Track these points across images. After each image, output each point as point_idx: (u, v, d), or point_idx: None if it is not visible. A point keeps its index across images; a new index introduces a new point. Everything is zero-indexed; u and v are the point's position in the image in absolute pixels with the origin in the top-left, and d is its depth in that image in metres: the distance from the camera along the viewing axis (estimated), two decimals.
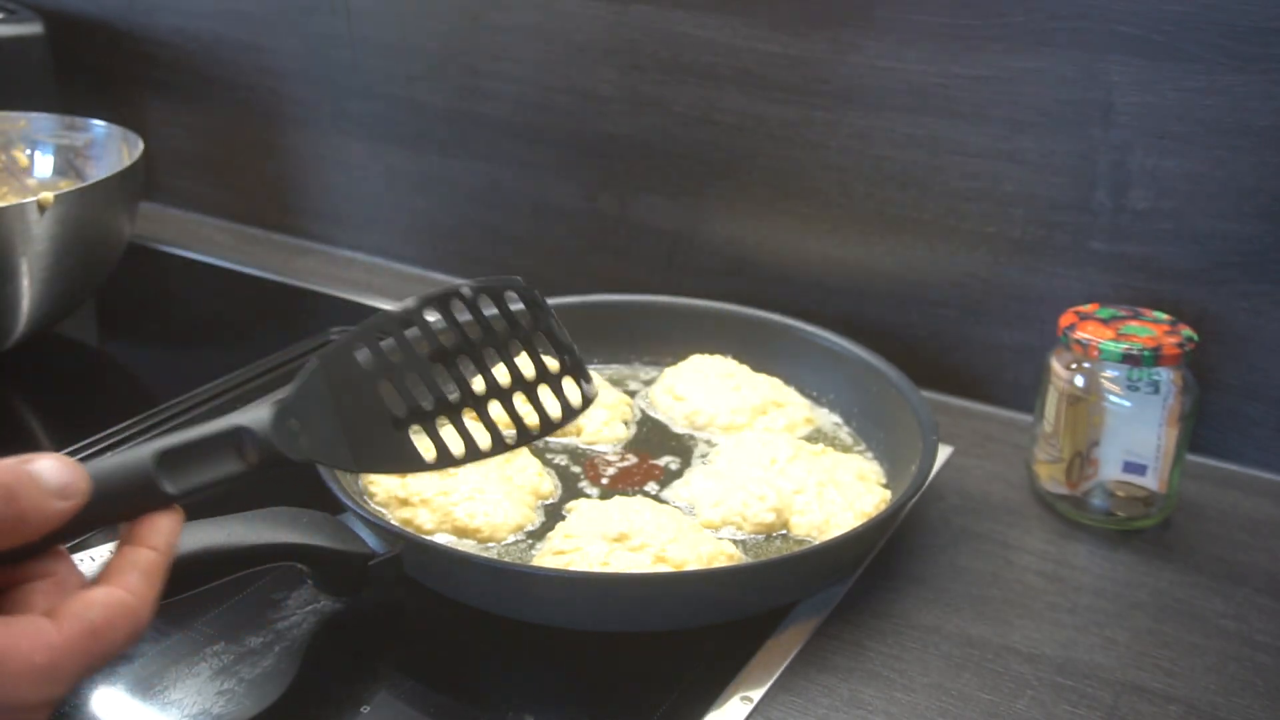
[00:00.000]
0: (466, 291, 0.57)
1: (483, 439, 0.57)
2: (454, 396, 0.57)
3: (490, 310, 0.59)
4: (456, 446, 0.56)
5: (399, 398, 0.54)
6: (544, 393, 0.61)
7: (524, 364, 0.60)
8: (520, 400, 0.60)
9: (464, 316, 0.58)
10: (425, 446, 0.55)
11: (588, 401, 0.62)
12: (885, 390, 0.82)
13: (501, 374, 0.60)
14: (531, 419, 0.60)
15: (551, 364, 0.61)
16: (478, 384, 0.58)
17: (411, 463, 0.55)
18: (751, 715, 0.61)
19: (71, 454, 0.81)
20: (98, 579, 0.46)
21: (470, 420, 0.57)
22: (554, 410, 0.61)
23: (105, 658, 0.43)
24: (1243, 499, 0.81)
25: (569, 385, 0.61)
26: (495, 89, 1.08)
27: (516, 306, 0.60)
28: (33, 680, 0.41)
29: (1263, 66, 0.78)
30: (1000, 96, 0.86)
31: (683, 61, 0.98)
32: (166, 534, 0.47)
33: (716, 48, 0.96)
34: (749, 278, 1.01)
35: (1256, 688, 0.64)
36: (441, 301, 0.57)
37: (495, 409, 0.59)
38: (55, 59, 1.29)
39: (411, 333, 0.55)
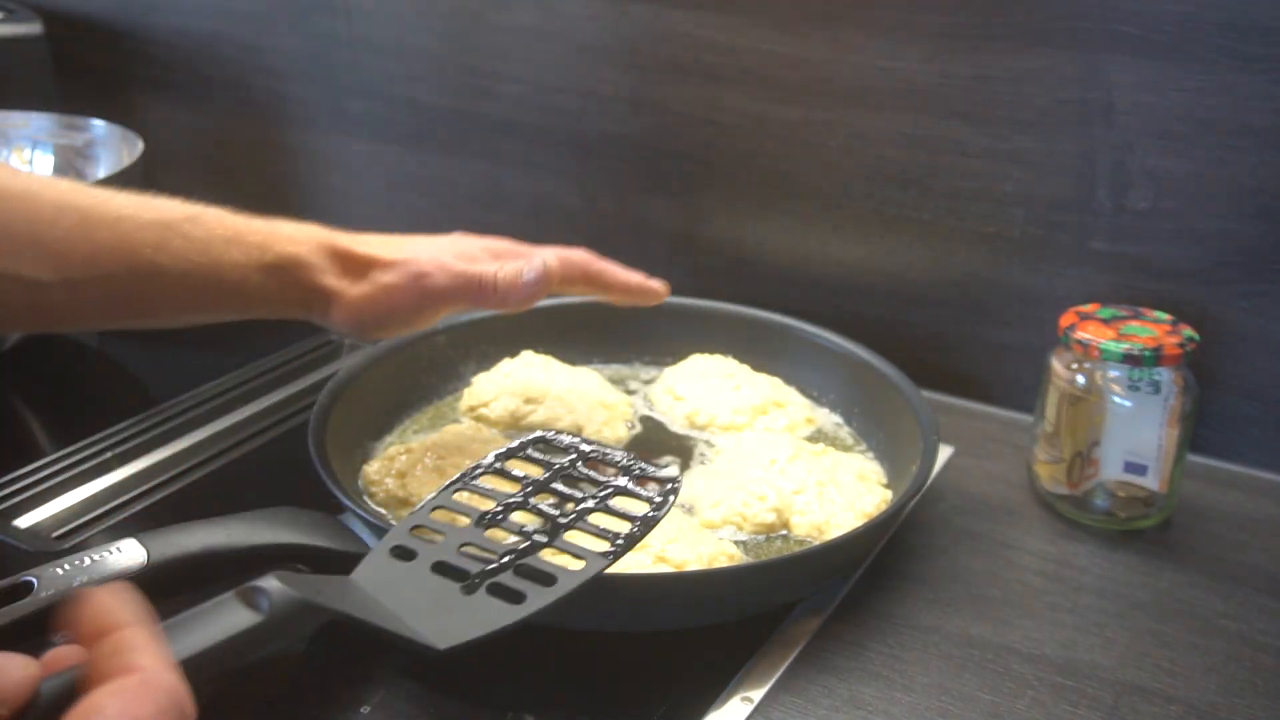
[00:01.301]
0: (490, 459, 0.59)
1: (562, 574, 0.54)
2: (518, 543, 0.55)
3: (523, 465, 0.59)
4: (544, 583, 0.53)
5: (457, 566, 0.53)
6: (617, 503, 0.58)
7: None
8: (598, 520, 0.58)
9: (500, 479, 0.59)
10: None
11: (670, 480, 0.59)
12: (885, 390, 0.82)
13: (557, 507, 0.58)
14: (617, 526, 0.57)
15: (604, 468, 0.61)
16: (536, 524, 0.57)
17: (495, 621, 0.51)
18: (752, 715, 0.61)
19: (71, 454, 0.81)
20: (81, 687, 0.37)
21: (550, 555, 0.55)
22: (636, 508, 0.58)
23: None
24: (1243, 499, 0.81)
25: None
26: (495, 89, 1.08)
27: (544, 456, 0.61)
28: None
29: (1264, 66, 0.78)
30: (1001, 96, 0.86)
31: (683, 61, 0.98)
32: (128, 604, 0.38)
33: (716, 48, 0.96)
34: (749, 278, 1.01)
35: (1257, 688, 0.64)
36: (469, 477, 0.59)
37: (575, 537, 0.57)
38: (55, 59, 1.29)
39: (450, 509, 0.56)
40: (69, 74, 1.33)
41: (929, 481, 0.74)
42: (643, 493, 0.59)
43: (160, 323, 0.72)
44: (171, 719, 0.36)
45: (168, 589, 0.58)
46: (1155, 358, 0.73)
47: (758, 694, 0.62)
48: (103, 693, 0.35)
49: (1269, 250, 0.81)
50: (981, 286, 0.92)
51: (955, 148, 0.89)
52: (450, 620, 0.50)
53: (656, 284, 0.81)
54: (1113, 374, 0.75)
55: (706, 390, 0.86)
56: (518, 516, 0.57)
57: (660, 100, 1.00)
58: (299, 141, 1.24)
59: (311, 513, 0.65)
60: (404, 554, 0.53)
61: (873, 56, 0.90)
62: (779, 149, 0.96)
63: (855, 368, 0.86)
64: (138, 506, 0.78)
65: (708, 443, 0.84)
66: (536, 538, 0.55)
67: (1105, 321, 0.76)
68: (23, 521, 0.76)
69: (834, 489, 0.75)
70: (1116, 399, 0.75)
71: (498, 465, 0.60)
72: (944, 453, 0.85)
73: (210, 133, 1.30)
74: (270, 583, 0.44)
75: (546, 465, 0.60)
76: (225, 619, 0.42)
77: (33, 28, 1.26)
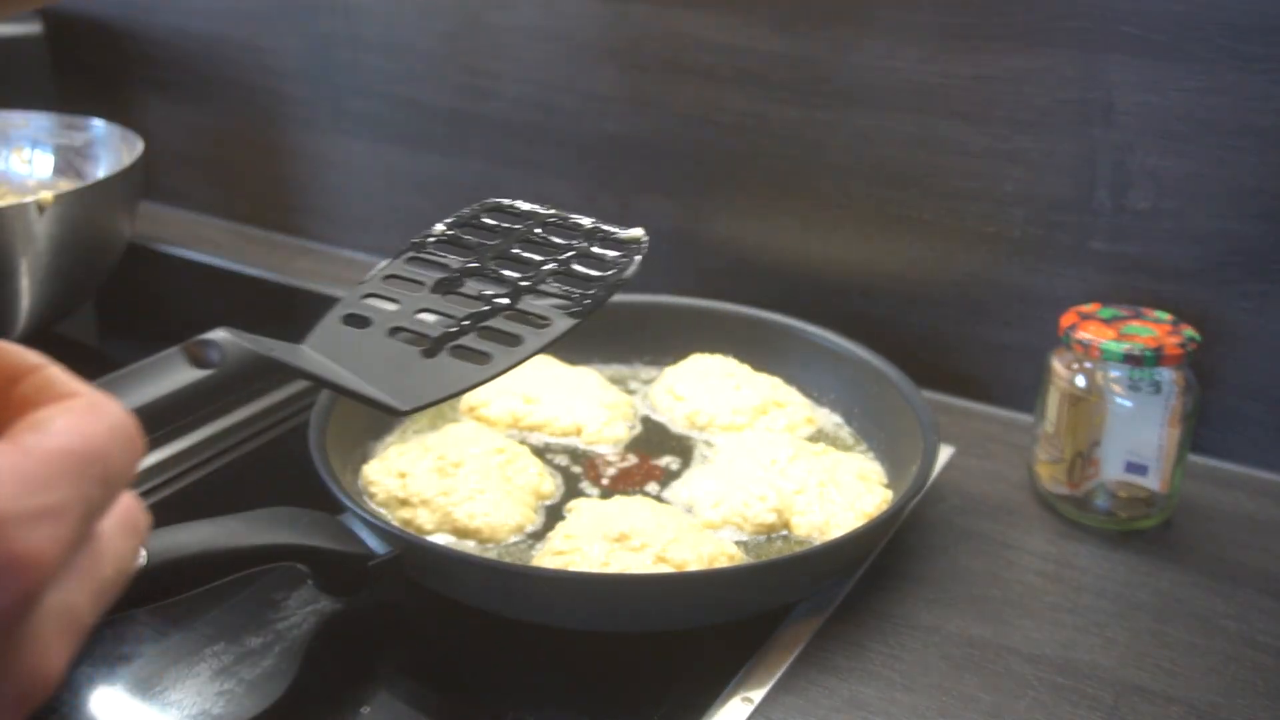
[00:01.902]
0: (441, 228, 0.55)
1: (527, 333, 0.51)
2: (477, 309, 0.51)
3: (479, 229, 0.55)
4: (501, 349, 0.50)
5: (420, 329, 0.50)
6: (579, 265, 0.55)
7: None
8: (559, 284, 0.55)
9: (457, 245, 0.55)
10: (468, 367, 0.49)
11: (635, 241, 0.56)
12: (886, 390, 0.82)
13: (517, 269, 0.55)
14: (578, 288, 0.54)
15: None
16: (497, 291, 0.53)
17: (459, 381, 0.48)
18: (752, 716, 0.61)
19: None
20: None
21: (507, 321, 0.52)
22: (596, 269, 0.55)
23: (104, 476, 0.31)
24: (1244, 499, 0.81)
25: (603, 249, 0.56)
26: (495, 89, 1.08)
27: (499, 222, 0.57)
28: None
29: (1264, 66, 0.77)
30: (1001, 96, 0.86)
31: (683, 61, 0.98)
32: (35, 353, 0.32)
33: (717, 48, 0.96)
34: (750, 277, 1.01)
35: (1257, 688, 0.64)
36: (421, 245, 0.55)
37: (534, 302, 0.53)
38: (55, 59, 1.29)
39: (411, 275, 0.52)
40: (69, 74, 1.33)
41: (929, 482, 0.74)
42: (608, 254, 0.56)
43: None
44: (124, 441, 0.31)
45: (168, 589, 0.59)
46: (1156, 358, 0.73)
47: (758, 694, 0.62)
48: (48, 410, 0.31)
49: (1270, 250, 0.81)
50: (982, 286, 0.91)
51: (955, 148, 0.89)
52: (412, 382, 0.47)
53: None
54: (1113, 374, 0.75)
55: (707, 390, 0.86)
56: (476, 283, 0.54)
57: (660, 100, 1.00)
58: (299, 141, 1.24)
59: (311, 513, 0.65)
60: (358, 321, 0.51)
61: (873, 56, 0.90)
62: (779, 149, 0.96)
63: (855, 368, 0.86)
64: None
65: (708, 443, 0.84)
66: (498, 300, 0.52)
67: (1106, 321, 0.76)
68: None
69: (834, 489, 0.75)
70: (1117, 399, 0.75)
71: (451, 234, 0.57)
72: (944, 453, 0.85)
73: (210, 133, 1.30)
74: (220, 334, 0.41)
75: (504, 232, 0.56)
76: (175, 372, 0.39)
77: (32, 27, 1.26)
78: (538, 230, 0.57)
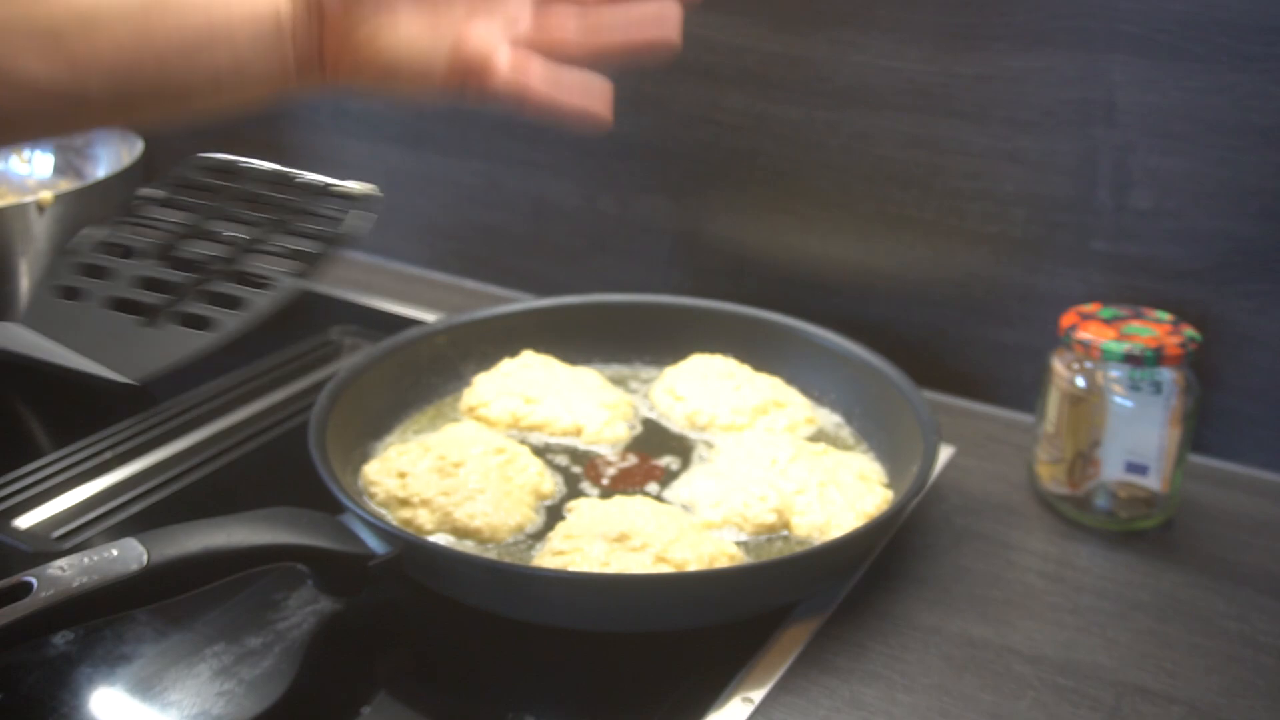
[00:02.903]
0: (153, 190, 0.52)
1: (252, 295, 0.49)
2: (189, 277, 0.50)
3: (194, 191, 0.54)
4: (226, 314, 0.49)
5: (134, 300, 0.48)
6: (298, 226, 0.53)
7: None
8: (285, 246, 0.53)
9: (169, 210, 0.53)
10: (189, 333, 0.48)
11: (365, 195, 0.54)
12: (886, 390, 0.82)
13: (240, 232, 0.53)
14: (303, 246, 0.53)
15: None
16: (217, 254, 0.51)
17: (185, 348, 0.48)
18: (752, 716, 0.61)
19: (71, 454, 0.81)
20: None
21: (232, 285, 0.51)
22: (321, 225, 0.53)
23: None
24: (1245, 499, 0.81)
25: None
26: None
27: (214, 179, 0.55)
28: None
29: (1264, 66, 0.77)
30: (1002, 96, 0.86)
31: (683, 61, 0.98)
32: None
33: (716, 48, 0.96)
34: (749, 278, 1.01)
35: (1258, 688, 0.64)
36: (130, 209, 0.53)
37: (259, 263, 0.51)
38: None
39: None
40: None
41: (930, 482, 0.74)
42: (333, 211, 0.54)
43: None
44: None
45: (168, 589, 0.59)
46: (1156, 358, 0.73)
47: (758, 694, 0.62)
48: None
49: (1270, 250, 0.81)
50: (982, 286, 0.91)
51: (956, 147, 0.89)
52: (139, 353, 0.47)
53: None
54: (1114, 374, 0.75)
55: (707, 390, 0.86)
56: (195, 245, 0.52)
57: (660, 100, 1.00)
58: (299, 141, 1.23)
59: (311, 513, 0.65)
60: (71, 294, 0.50)
61: (874, 56, 0.90)
62: (779, 149, 0.96)
63: (856, 368, 0.86)
64: (138, 506, 0.78)
65: (708, 443, 0.83)
66: (215, 264, 0.51)
67: (1106, 321, 0.76)
68: (23, 521, 0.76)
69: (835, 489, 0.75)
70: (1118, 399, 0.74)
71: (165, 195, 0.55)
72: (945, 453, 0.85)
73: (210, 133, 1.30)
74: None
75: (222, 192, 0.55)
76: None
77: None
78: (259, 189, 0.55)
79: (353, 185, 0.53)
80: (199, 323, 0.47)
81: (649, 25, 0.62)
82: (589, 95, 0.62)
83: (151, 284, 0.49)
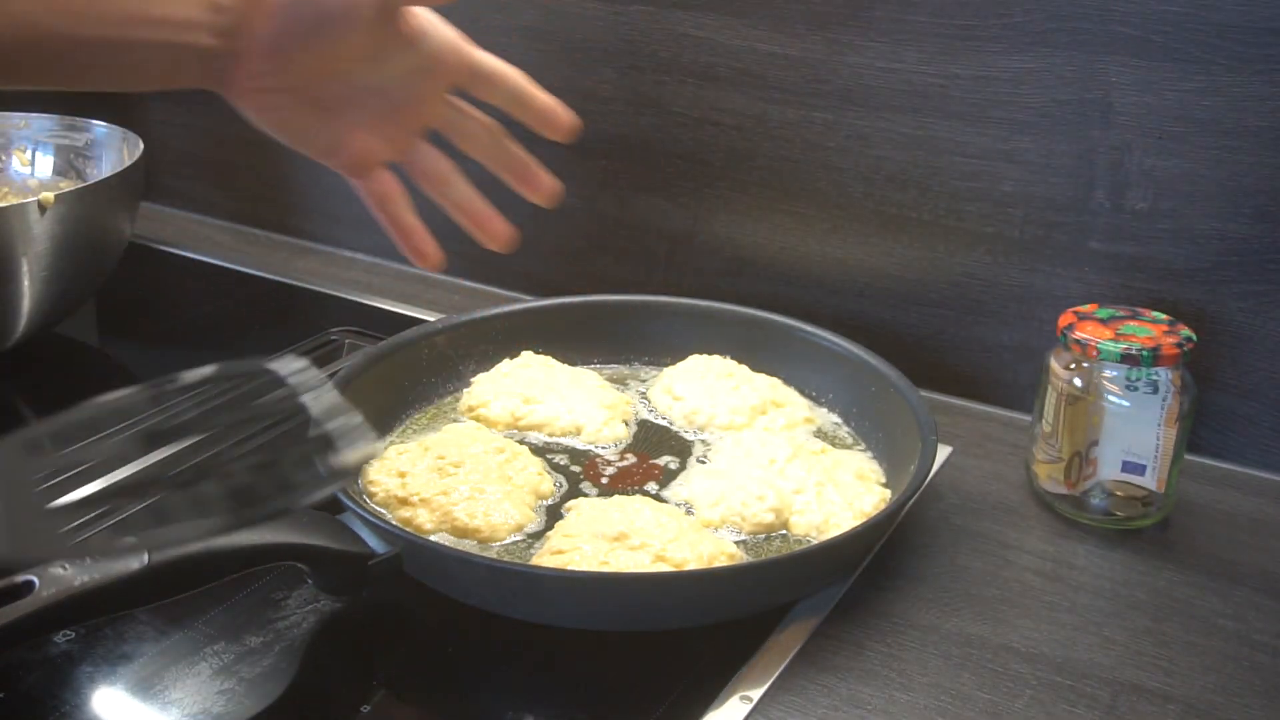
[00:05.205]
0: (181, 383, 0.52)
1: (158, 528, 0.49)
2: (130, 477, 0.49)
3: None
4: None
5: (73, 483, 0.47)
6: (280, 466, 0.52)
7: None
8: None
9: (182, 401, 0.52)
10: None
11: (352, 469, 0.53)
12: (884, 390, 0.83)
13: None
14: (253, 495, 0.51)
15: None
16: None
17: (49, 548, 0.47)
18: (751, 715, 0.61)
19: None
20: None
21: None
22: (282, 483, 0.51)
23: None
24: (1241, 499, 0.82)
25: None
26: None
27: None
28: None
29: (1260, 67, 0.78)
30: (999, 97, 0.86)
31: (683, 61, 0.98)
32: None
33: (716, 48, 0.96)
34: (749, 278, 1.01)
35: (1255, 687, 0.64)
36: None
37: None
38: None
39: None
40: None
41: (927, 481, 0.74)
42: (309, 475, 0.52)
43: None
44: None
45: (169, 588, 0.59)
46: (1153, 358, 0.73)
47: (757, 693, 0.62)
48: None
49: (1266, 250, 0.81)
50: (980, 286, 0.92)
51: (954, 148, 0.89)
52: (27, 529, 0.47)
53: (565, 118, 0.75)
54: (1111, 374, 0.75)
55: (706, 390, 0.86)
56: (168, 447, 0.50)
57: (660, 100, 1.00)
58: None
59: (312, 513, 0.65)
60: (35, 448, 0.49)
61: (872, 57, 0.90)
62: (779, 149, 0.96)
63: (854, 367, 0.86)
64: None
65: (706, 442, 0.84)
66: (157, 476, 0.49)
67: (1103, 321, 0.77)
68: None
69: (833, 489, 0.75)
70: (1114, 399, 0.75)
71: (187, 389, 0.53)
72: (942, 452, 0.85)
73: (210, 133, 1.30)
74: None
75: (223, 404, 0.53)
76: None
77: None
78: (260, 414, 0.53)
79: (351, 454, 0.52)
80: (101, 532, 0.47)
81: (488, 223, 0.75)
82: (420, 239, 0.72)
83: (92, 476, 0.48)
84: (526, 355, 0.90)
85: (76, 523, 0.47)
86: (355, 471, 0.52)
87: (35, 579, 0.54)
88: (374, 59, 0.64)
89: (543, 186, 0.76)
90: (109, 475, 0.49)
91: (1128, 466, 0.76)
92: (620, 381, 0.92)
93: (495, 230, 0.75)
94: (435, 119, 0.71)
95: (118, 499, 0.48)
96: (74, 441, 0.49)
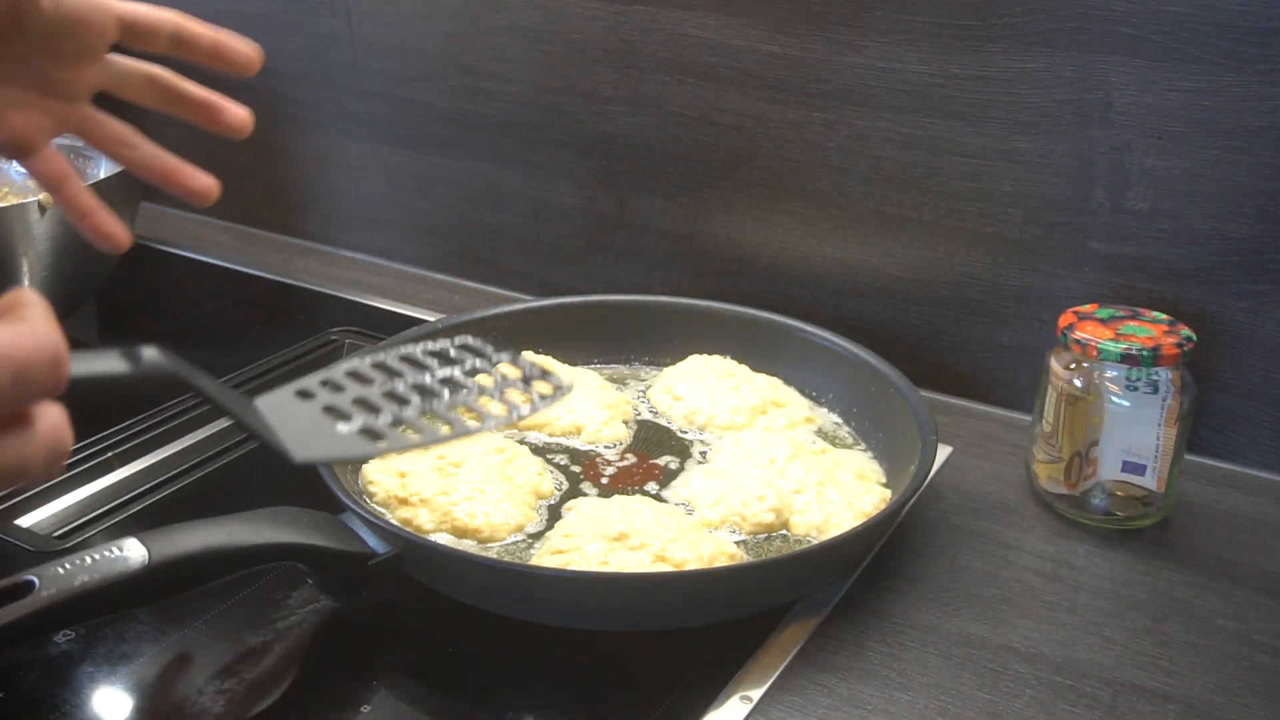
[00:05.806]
0: (410, 348, 0.56)
1: (426, 427, 0.53)
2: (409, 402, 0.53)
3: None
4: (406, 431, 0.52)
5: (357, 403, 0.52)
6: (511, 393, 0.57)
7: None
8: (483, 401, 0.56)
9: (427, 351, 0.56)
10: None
11: (557, 389, 0.57)
12: (884, 390, 0.83)
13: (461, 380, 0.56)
14: (496, 409, 0.55)
15: (513, 371, 0.58)
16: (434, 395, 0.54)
17: (352, 448, 0.51)
18: (751, 714, 0.61)
19: (72, 454, 0.81)
20: None
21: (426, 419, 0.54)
22: (521, 401, 0.56)
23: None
24: (1241, 499, 0.82)
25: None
26: (495, 89, 1.09)
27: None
28: None
29: (1260, 67, 0.78)
30: (999, 97, 0.86)
31: (683, 61, 0.98)
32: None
33: (716, 48, 0.96)
34: (749, 278, 1.01)
35: (1255, 687, 0.64)
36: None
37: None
38: None
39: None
40: None
41: (927, 481, 0.74)
42: (526, 393, 0.57)
43: None
44: (45, 357, 0.38)
45: (169, 588, 0.59)
46: (1153, 358, 0.73)
47: (757, 693, 0.62)
48: None
49: (1266, 250, 0.81)
50: (980, 287, 0.92)
51: (954, 148, 0.89)
52: (315, 443, 0.51)
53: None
54: (1111, 374, 0.75)
55: (706, 390, 0.86)
56: (415, 394, 0.55)
57: (660, 100, 1.00)
58: (299, 141, 1.24)
59: (311, 513, 0.65)
60: (305, 395, 0.53)
61: (871, 57, 0.90)
62: (778, 149, 0.96)
63: (854, 367, 0.86)
64: (138, 506, 0.78)
65: (706, 442, 0.84)
66: (416, 401, 0.54)
67: (1103, 321, 0.77)
68: (24, 521, 0.76)
69: (833, 489, 0.75)
70: (1115, 399, 0.75)
71: (414, 352, 0.58)
72: (943, 452, 0.85)
73: (210, 133, 1.30)
74: (149, 350, 0.45)
75: (461, 362, 0.58)
76: (101, 361, 0.44)
77: None
78: (485, 363, 0.58)
79: (556, 380, 0.57)
80: (374, 436, 0.51)
81: (185, 178, 0.72)
82: (101, 219, 0.68)
83: (366, 403, 0.53)
84: (527, 355, 0.90)
85: (357, 424, 0.51)
86: (568, 388, 0.57)
87: (36, 578, 0.54)
88: (10, 29, 0.60)
89: (235, 118, 0.72)
90: (378, 388, 0.53)
91: (1128, 466, 0.76)
92: (620, 381, 0.92)
93: (195, 184, 0.71)
94: (96, 81, 0.67)
95: (388, 400, 0.52)
96: (340, 390, 0.53)
